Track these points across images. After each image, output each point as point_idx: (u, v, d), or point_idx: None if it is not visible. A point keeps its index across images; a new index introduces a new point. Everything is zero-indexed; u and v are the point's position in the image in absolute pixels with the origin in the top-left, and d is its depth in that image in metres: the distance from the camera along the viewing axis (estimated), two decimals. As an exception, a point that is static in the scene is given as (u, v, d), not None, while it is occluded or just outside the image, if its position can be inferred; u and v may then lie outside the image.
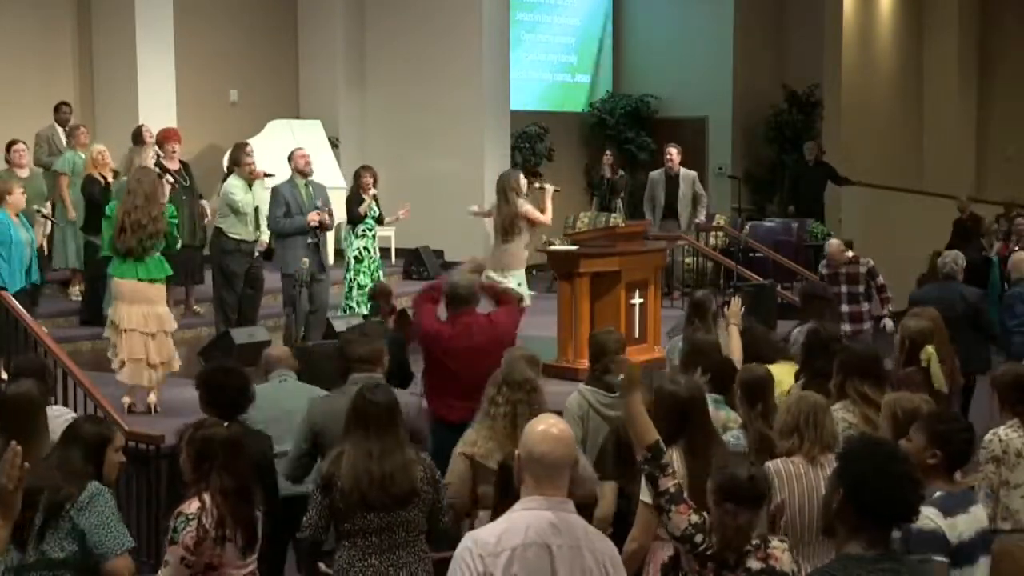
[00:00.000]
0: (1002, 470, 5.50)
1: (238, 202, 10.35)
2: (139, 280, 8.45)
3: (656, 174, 14.05)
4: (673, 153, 13.87)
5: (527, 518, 3.53)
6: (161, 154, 11.45)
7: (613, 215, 15.37)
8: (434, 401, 6.83)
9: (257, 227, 10.44)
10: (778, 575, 3.96)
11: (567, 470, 3.60)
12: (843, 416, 5.62)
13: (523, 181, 10.52)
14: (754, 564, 3.95)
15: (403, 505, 4.86)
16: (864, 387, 5.63)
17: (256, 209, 10.39)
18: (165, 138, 11.63)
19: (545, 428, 3.63)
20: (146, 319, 8.44)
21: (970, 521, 4.21)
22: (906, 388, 5.62)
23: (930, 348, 6.42)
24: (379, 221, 11.02)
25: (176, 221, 9.02)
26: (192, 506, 4.48)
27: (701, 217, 13.89)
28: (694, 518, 3.96)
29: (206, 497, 4.49)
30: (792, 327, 8.34)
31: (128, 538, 4.41)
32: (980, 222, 15.52)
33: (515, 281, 9.98)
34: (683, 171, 13.86)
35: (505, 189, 10.28)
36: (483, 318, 6.92)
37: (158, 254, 8.56)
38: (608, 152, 15.99)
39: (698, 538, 3.93)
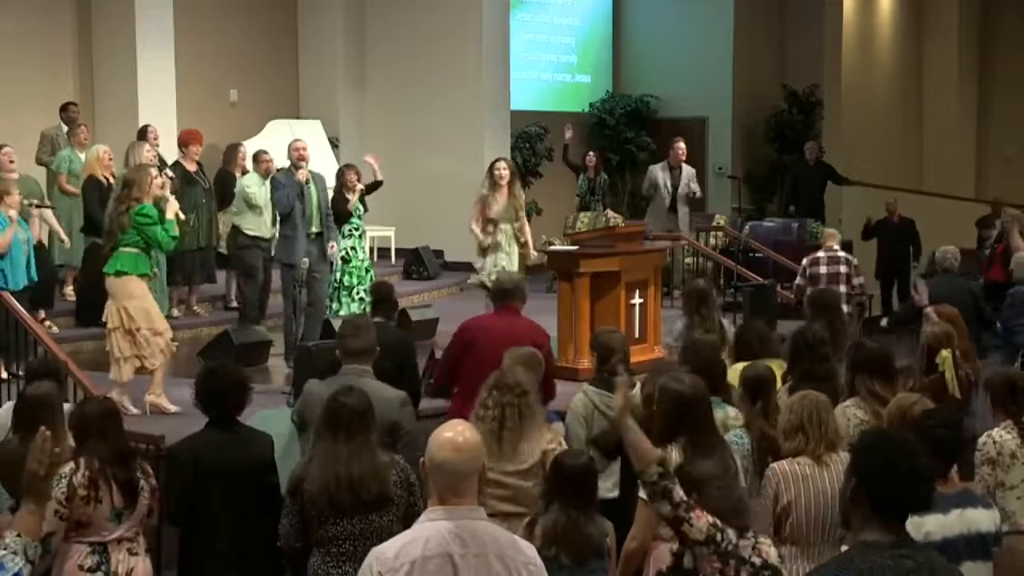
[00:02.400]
0: (997, 472, 5.50)
1: (252, 195, 10.53)
2: (107, 275, 8.32)
3: (658, 166, 13.99)
4: (682, 147, 13.83)
5: (427, 530, 3.45)
6: (182, 154, 11.57)
7: (614, 216, 15.35)
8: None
9: (273, 223, 10.55)
10: (771, 568, 4.04)
11: (473, 478, 3.48)
12: (854, 413, 5.64)
13: (500, 172, 10.94)
14: (757, 559, 4.01)
15: (374, 510, 4.84)
16: (875, 384, 5.65)
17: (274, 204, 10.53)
18: (189, 140, 11.71)
19: (451, 436, 3.50)
20: (121, 315, 8.24)
21: (947, 523, 4.18)
22: (928, 397, 5.60)
23: (944, 352, 6.41)
24: (364, 196, 11.18)
25: (150, 220, 8.30)
26: (67, 467, 4.93)
27: (694, 187, 13.70)
28: (710, 518, 4.01)
29: (81, 460, 4.98)
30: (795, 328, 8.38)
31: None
32: (912, 224, 15.12)
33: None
34: (685, 166, 13.84)
35: None
36: (526, 319, 7.11)
37: (132, 250, 8.23)
38: (592, 153, 15.95)
39: (719, 536, 3.99)
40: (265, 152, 10.98)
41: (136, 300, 8.25)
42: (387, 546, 3.49)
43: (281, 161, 11.29)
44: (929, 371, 6.47)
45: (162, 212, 8.38)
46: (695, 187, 13.76)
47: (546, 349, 6.83)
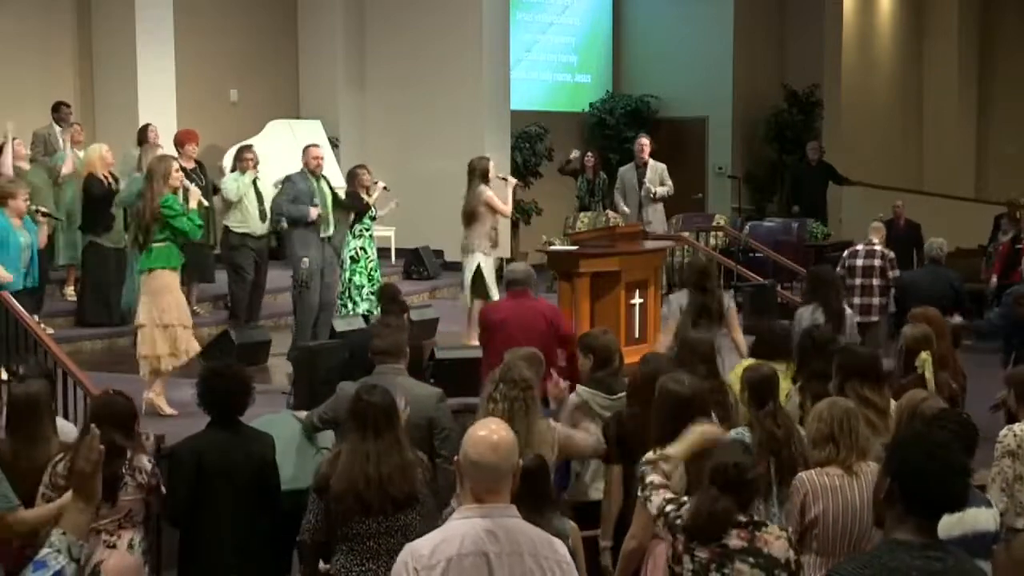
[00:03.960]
0: (1016, 464, 5.51)
1: (225, 190, 10.63)
2: (142, 272, 8.46)
3: (626, 168, 14.00)
4: (645, 143, 13.79)
5: (462, 527, 3.45)
6: (179, 154, 11.57)
7: (614, 216, 15.35)
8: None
9: (263, 219, 10.53)
10: (764, 556, 4.01)
11: (507, 476, 3.48)
12: None
13: (491, 167, 10.85)
14: (735, 542, 4.03)
15: (402, 508, 4.84)
16: (864, 389, 5.63)
17: (260, 200, 10.49)
18: (185, 139, 11.71)
19: (485, 434, 3.50)
20: (155, 310, 8.33)
21: (947, 524, 4.16)
22: None
23: (924, 354, 6.43)
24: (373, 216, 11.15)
25: (175, 212, 8.36)
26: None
27: (658, 191, 13.52)
28: (668, 495, 4.17)
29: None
30: (800, 309, 8.46)
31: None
32: (917, 229, 15.12)
33: (474, 263, 10.65)
34: (651, 162, 13.77)
35: (473, 174, 10.72)
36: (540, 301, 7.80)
37: (162, 244, 8.32)
38: (589, 154, 15.92)
39: (668, 508, 4.14)
40: (249, 149, 10.87)
41: (171, 294, 8.39)
42: (422, 543, 3.49)
43: (279, 162, 11.28)
44: (908, 372, 6.47)
45: (185, 202, 8.46)
46: (655, 189, 13.46)
47: (562, 323, 7.71)
